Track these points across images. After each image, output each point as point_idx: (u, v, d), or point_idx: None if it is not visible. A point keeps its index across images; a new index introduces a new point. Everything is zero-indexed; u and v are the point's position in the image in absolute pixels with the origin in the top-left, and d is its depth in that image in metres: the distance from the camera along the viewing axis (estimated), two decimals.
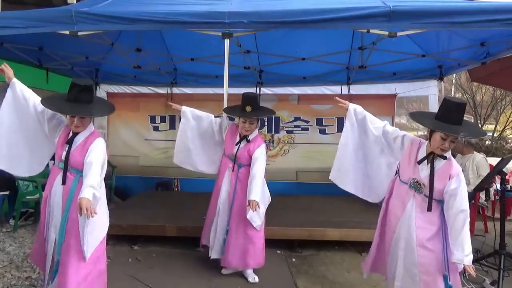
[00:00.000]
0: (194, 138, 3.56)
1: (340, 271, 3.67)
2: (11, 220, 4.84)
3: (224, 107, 3.62)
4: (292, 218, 4.44)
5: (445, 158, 2.39)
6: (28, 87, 2.66)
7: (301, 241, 4.15)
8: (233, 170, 3.44)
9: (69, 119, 2.50)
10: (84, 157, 2.45)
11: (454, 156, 3.56)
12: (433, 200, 2.40)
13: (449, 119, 2.31)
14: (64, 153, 2.48)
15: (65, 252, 2.41)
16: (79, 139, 2.51)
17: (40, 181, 4.61)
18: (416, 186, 2.47)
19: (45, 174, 5.13)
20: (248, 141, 3.41)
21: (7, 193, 4.83)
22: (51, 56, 4.94)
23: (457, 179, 2.34)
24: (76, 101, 2.46)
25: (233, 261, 3.40)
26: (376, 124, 2.77)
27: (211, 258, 3.49)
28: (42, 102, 2.52)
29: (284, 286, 3.36)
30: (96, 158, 2.42)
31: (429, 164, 2.42)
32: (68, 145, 2.49)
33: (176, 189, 6.52)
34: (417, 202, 2.47)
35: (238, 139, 3.44)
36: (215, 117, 3.63)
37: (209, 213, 3.64)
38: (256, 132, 3.49)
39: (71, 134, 2.53)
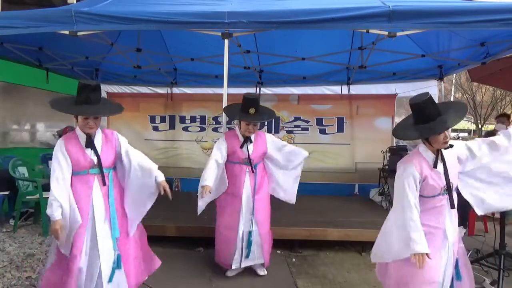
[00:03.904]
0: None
1: (340, 271, 3.66)
2: (11, 220, 4.85)
3: (223, 107, 3.60)
4: (292, 218, 4.43)
5: (451, 146, 2.34)
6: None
7: (301, 241, 4.15)
8: (248, 173, 3.38)
9: (82, 121, 2.44)
10: (112, 153, 2.56)
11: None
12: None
13: (427, 118, 2.27)
14: (95, 158, 2.48)
15: (124, 243, 2.59)
16: (98, 139, 2.54)
17: (40, 181, 4.62)
18: (445, 189, 2.35)
19: (45, 174, 5.16)
20: (251, 141, 3.36)
21: (7, 193, 4.83)
22: (51, 56, 4.93)
23: (460, 146, 2.43)
24: (88, 102, 2.43)
25: (266, 261, 3.47)
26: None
27: (232, 267, 3.38)
28: (53, 106, 2.48)
29: (284, 286, 3.36)
30: (136, 150, 2.68)
31: (441, 162, 2.33)
32: (91, 149, 2.48)
33: (176, 189, 6.52)
34: (447, 204, 2.37)
35: (241, 142, 3.36)
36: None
37: (225, 229, 3.41)
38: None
39: (82, 140, 2.48)
